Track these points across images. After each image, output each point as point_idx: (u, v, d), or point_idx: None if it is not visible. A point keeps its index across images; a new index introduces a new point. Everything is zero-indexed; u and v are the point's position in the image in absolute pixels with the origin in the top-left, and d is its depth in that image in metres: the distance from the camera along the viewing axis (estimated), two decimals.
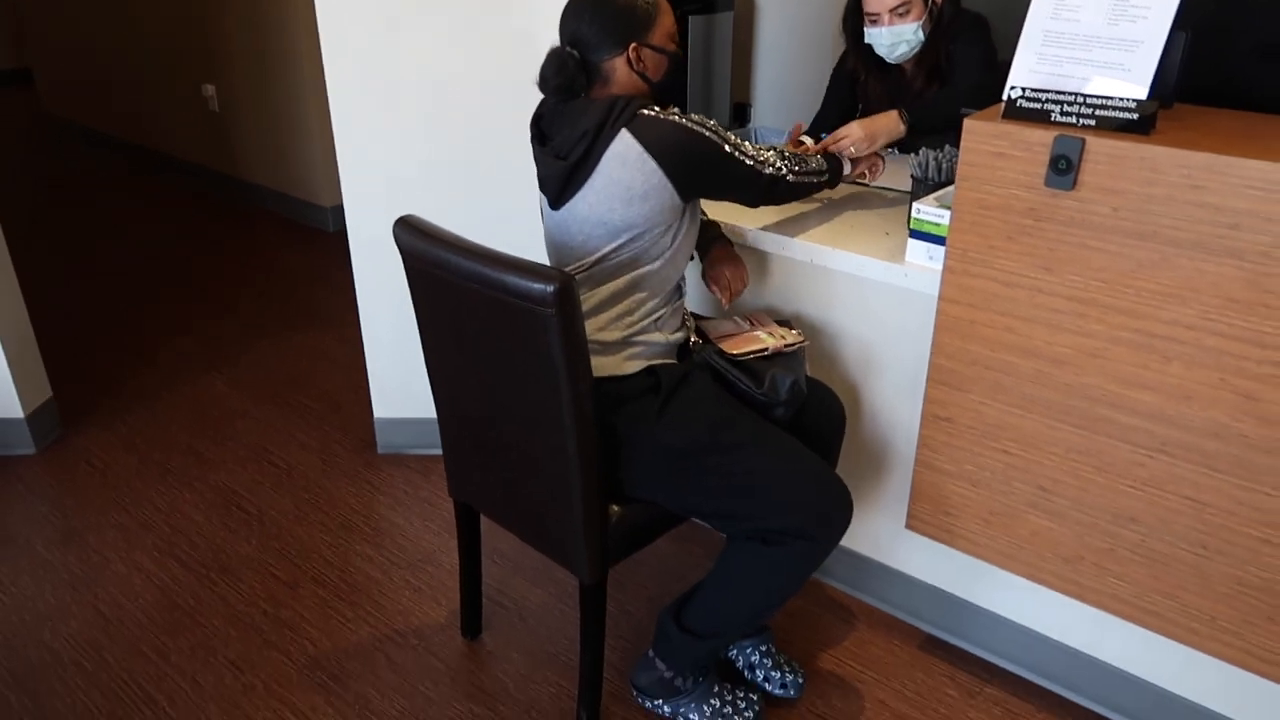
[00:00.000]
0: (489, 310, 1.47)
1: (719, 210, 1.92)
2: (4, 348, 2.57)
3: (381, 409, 2.64)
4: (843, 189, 2.08)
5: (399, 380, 2.57)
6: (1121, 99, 1.36)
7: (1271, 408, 1.33)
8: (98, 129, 5.68)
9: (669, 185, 1.56)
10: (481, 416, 1.66)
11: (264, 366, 3.17)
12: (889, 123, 1.93)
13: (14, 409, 2.65)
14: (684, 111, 1.60)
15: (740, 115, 3.97)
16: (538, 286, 1.36)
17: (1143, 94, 1.36)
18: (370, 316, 2.52)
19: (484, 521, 1.92)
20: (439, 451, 2.62)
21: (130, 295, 3.75)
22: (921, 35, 2.11)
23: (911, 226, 1.71)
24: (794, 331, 1.80)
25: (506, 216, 2.22)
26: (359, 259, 2.45)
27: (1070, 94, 1.40)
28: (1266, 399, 1.33)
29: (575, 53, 1.59)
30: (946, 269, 1.57)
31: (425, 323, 1.67)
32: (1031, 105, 1.43)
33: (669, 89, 1.70)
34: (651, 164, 1.54)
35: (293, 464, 2.64)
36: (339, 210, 4.23)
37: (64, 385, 2.90)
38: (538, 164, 1.68)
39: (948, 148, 1.80)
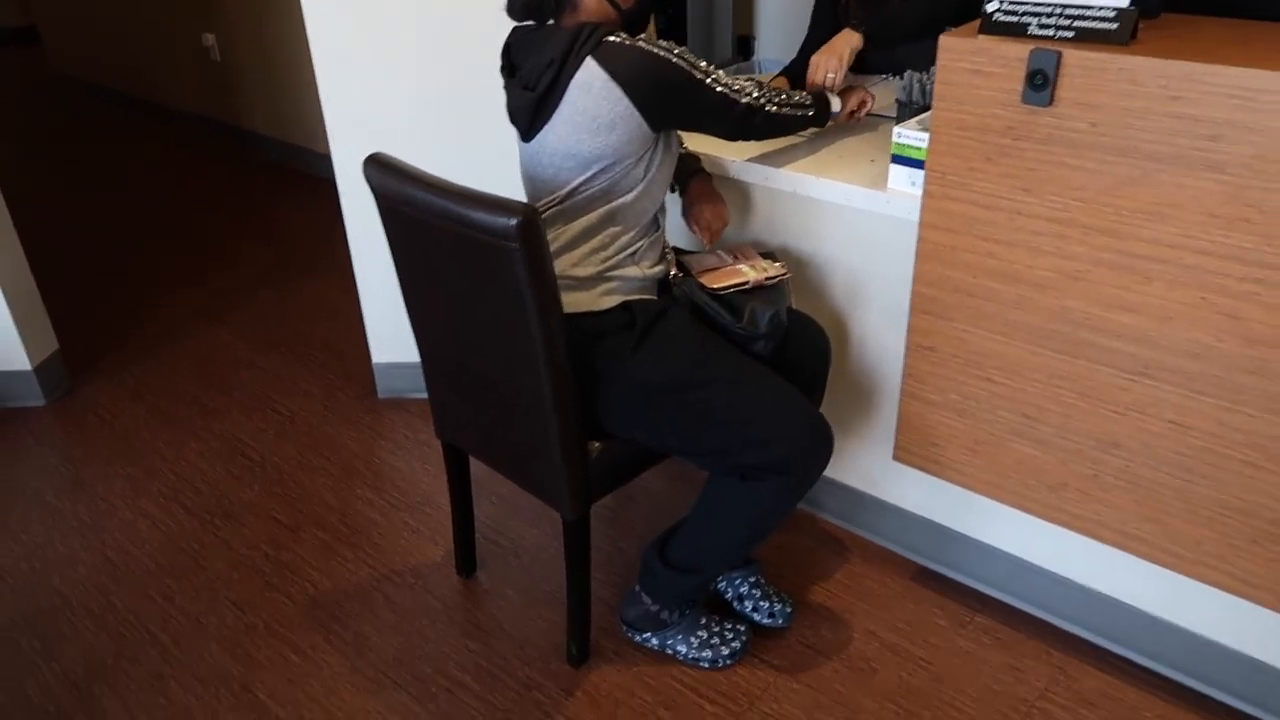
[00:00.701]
0: (457, 247, 1.46)
1: (702, 143, 1.88)
2: (9, 301, 2.60)
3: (379, 354, 2.65)
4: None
5: (394, 325, 2.57)
6: (1100, 8, 1.31)
7: (1253, 326, 1.30)
8: (102, 83, 5.67)
9: (636, 114, 1.52)
10: (459, 356, 1.66)
11: (268, 316, 3.18)
12: (845, 38, 1.89)
13: (21, 361, 2.69)
14: (673, 43, 1.55)
15: (744, 48, 3.88)
16: (501, 220, 1.35)
17: (1123, 2, 1.30)
18: (363, 261, 2.52)
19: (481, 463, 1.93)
20: None
21: (134, 247, 3.77)
22: None
23: (893, 151, 1.66)
24: (777, 264, 1.77)
25: (495, 154, 2.19)
26: (348, 204, 2.44)
27: (1049, 5, 1.35)
28: (1248, 317, 1.30)
29: None
30: (926, 193, 1.53)
31: (400, 262, 1.66)
32: (1009, 19, 1.38)
33: (640, 21, 1.66)
34: (618, 92, 1.51)
35: (296, 411, 2.66)
36: None
37: (70, 337, 2.94)
38: (507, 95, 1.65)
39: (933, 69, 1.74)
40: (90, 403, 2.74)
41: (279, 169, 4.48)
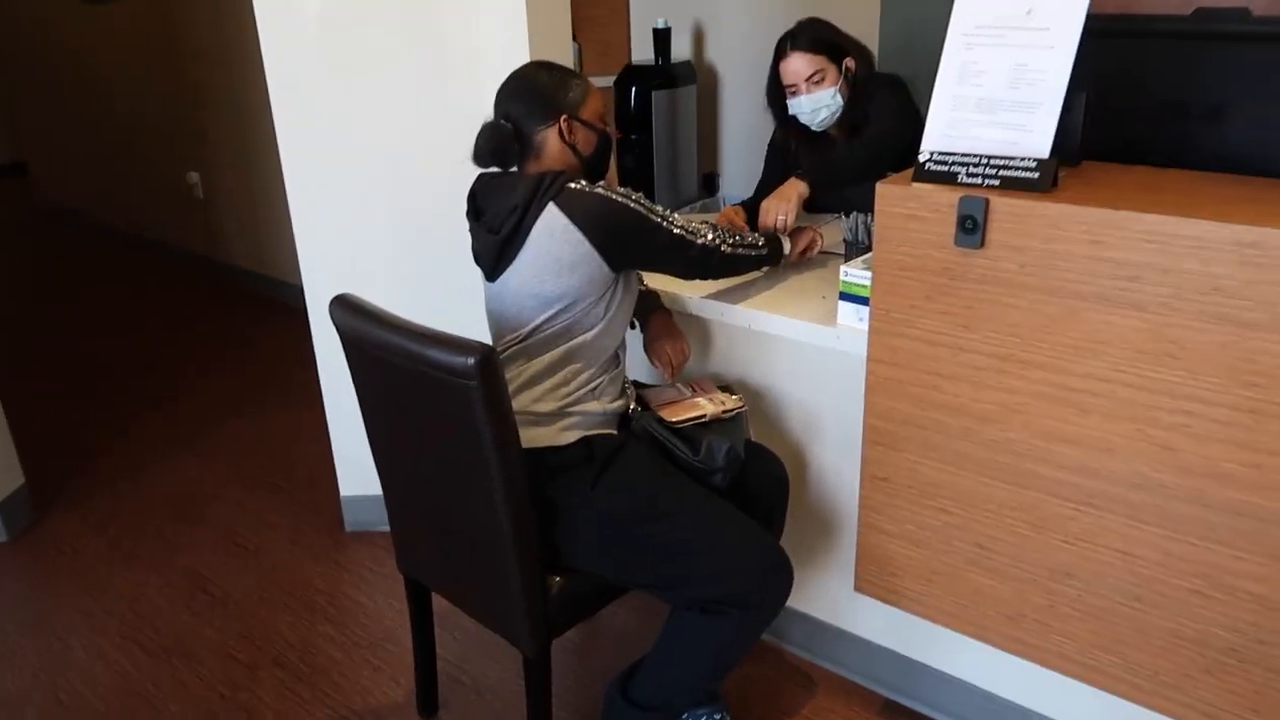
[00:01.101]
0: (418, 385, 1.49)
1: (661, 281, 1.95)
2: None
3: (348, 487, 2.65)
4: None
5: (363, 457, 2.54)
6: (1023, 159, 1.40)
7: (1187, 457, 1.34)
8: (87, 216, 5.80)
9: (597, 256, 1.59)
10: (420, 491, 1.67)
11: (238, 446, 3.19)
12: (793, 186, 2.00)
13: None
14: (630, 190, 1.64)
15: (709, 185, 4.04)
16: (459, 359, 1.39)
17: (1044, 153, 1.40)
18: (333, 394, 2.55)
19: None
20: None
21: (107, 376, 3.79)
22: (840, 100, 2.18)
23: (841, 289, 1.74)
24: (735, 397, 1.82)
25: (462, 290, 2.26)
26: (319, 337, 2.49)
27: (976, 155, 1.44)
28: (1182, 449, 1.34)
29: (508, 124, 1.65)
30: (872, 329, 1.59)
31: (364, 398, 1.69)
32: (939, 168, 1.47)
33: (599, 167, 1.75)
34: (578, 235, 1.58)
35: (261, 545, 2.64)
36: None
37: (39, 466, 2.92)
38: (472, 238, 1.72)
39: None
40: (55, 536, 2.71)
41: (256, 301, 4.56)
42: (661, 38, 3.68)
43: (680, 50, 3.85)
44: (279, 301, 4.49)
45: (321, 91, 2.25)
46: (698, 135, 3.85)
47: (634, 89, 3.52)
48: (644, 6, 3.99)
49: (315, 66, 2.22)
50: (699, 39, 3.92)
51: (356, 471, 2.61)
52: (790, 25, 2.34)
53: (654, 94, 3.61)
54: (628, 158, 3.58)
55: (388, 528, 2.61)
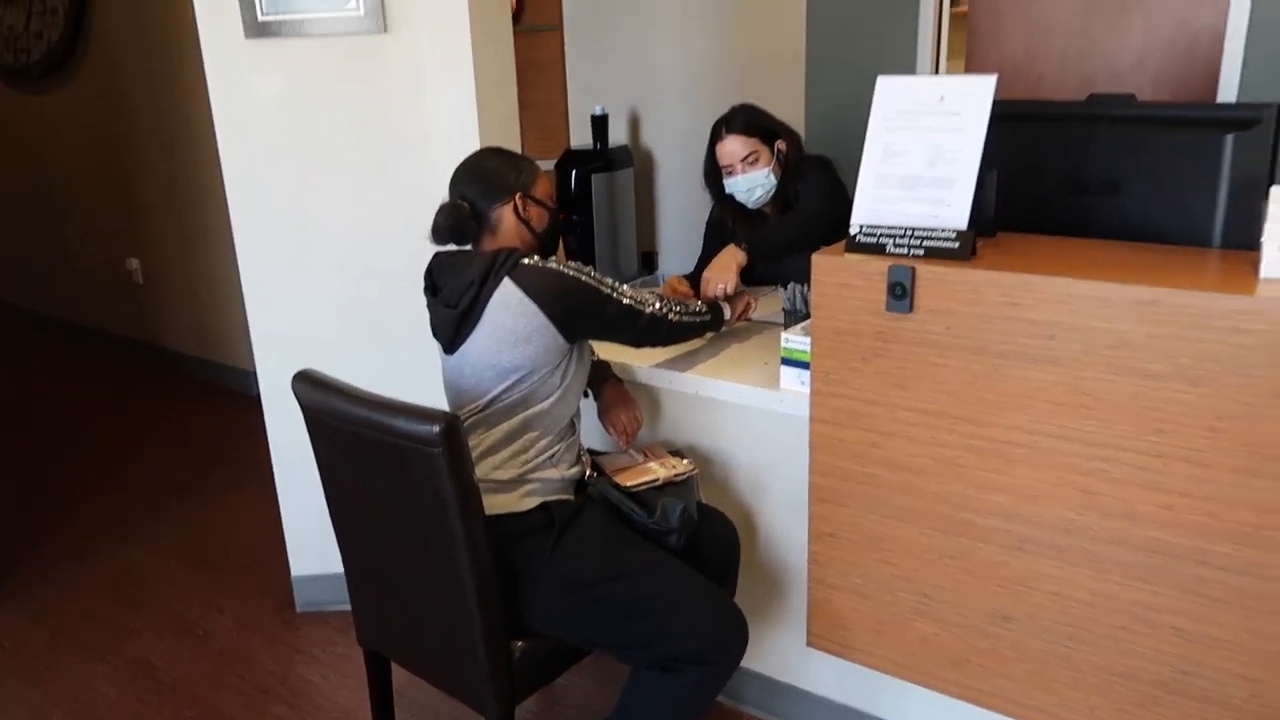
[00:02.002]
0: (382, 454, 1.54)
1: (611, 351, 2.04)
2: None
3: (299, 566, 2.64)
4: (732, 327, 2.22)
5: (316, 536, 2.58)
6: (943, 230, 1.53)
7: (1107, 500, 1.45)
8: (19, 304, 5.71)
9: (551, 327, 1.68)
10: (383, 560, 1.71)
11: (181, 530, 3.14)
12: (731, 254, 2.14)
13: None
14: (581, 264, 1.73)
15: (649, 263, 4.18)
16: (424, 428, 1.45)
17: (962, 225, 1.53)
18: (285, 473, 2.56)
19: (402, 672, 1.92)
20: None
21: (43, 465, 3.72)
22: (773, 179, 2.33)
23: (782, 355, 1.84)
24: (685, 461, 1.89)
25: (414, 366, 2.31)
26: (271, 417, 2.51)
27: (900, 228, 1.57)
28: (1101, 492, 1.45)
29: (466, 204, 1.73)
30: (813, 391, 1.69)
31: (326, 472, 1.73)
32: (869, 239, 1.60)
33: (551, 243, 1.85)
34: (533, 308, 1.66)
35: (210, 629, 2.61)
36: None
37: None
38: (430, 313, 1.79)
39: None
40: None
41: (196, 385, 4.52)
42: (600, 124, 3.84)
43: (617, 135, 4.02)
44: (220, 385, 4.46)
45: (275, 175, 2.32)
46: (636, 215, 3.99)
47: (574, 172, 3.66)
48: (582, 94, 4.16)
49: (269, 152, 2.30)
50: (635, 125, 4.10)
51: (308, 551, 2.61)
52: (723, 111, 2.50)
53: (594, 177, 3.75)
54: (570, 238, 3.69)
55: (340, 607, 2.64)
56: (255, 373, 4.24)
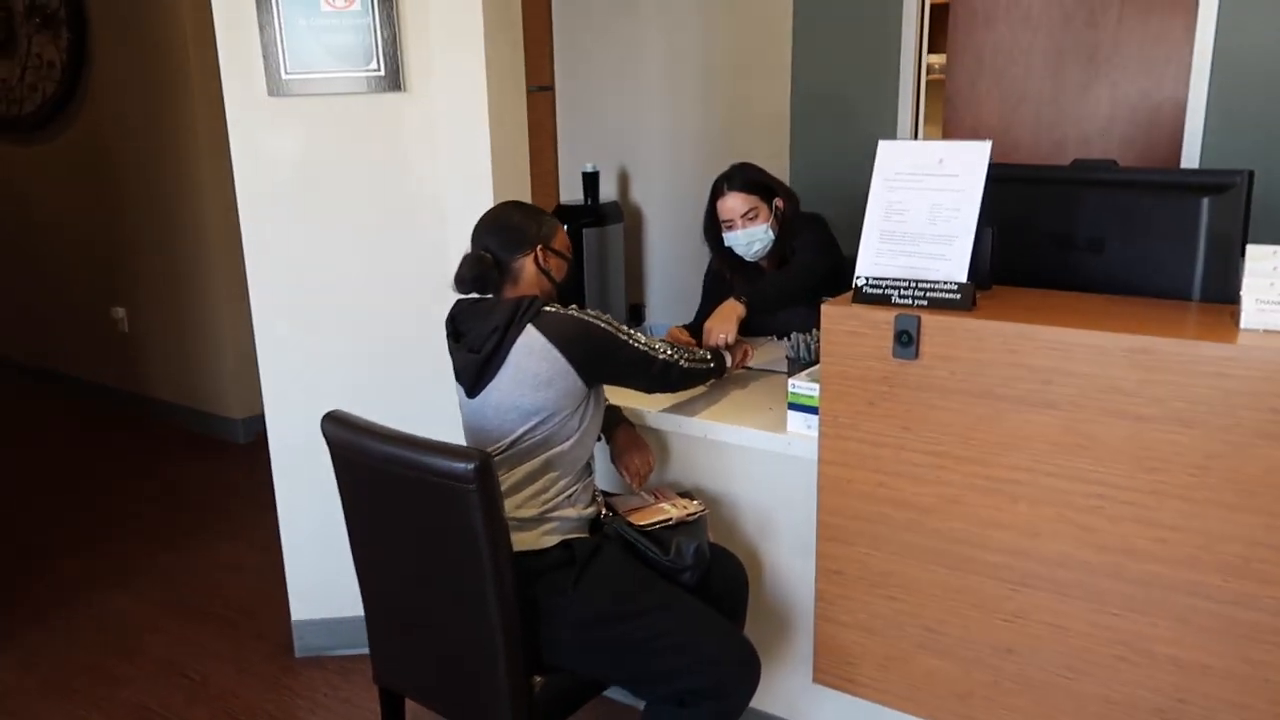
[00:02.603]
0: (414, 491, 1.60)
1: (622, 396, 2.11)
2: None
3: (300, 611, 2.65)
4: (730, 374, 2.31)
5: (318, 581, 2.61)
6: (945, 283, 1.64)
7: (1103, 536, 1.54)
8: (4, 355, 5.66)
9: (572, 371, 1.75)
10: (408, 596, 1.75)
11: (174, 578, 3.13)
12: (731, 306, 2.25)
13: None
14: (599, 312, 1.82)
15: (636, 315, 4.28)
16: (459, 465, 1.51)
17: (962, 277, 1.64)
18: (290, 518, 2.58)
19: (411, 716, 1.95)
20: (359, 650, 2.62)
21: (29, 515, 3.68)
22: (771, 234, 2.44)
23: (790, 400, 1.93)
24: (694, 502, 1.96)
25: (422, 416, 2.37)
26: (278, 462, 2.54)
27: (905, 280, 1.67)
28: (1098, 528, 1.54)
29: (489, 254, 1.81)
30: (822, 434, 1.78)
31: (352, 510, 1.77)
32: (875, 291, 1.70)
33: (568, 291, 1.93)
34: (555, 353, 1.74)
35: (207, 674, 2.60)
36: (251, 421, 4.30)
37: None
38: (453, 358, 1.86)
39: (815, 331, 2.05)
40: None
41: (183, 435, 4.51)
42: (590, 180, 3.97)
43: (607, 192, 4.15)
44: (206, 434, 4.46)
45: (292, 229, 2.38)
46: (625, 269, 4.10)
47: (565, 227, 3.76)
48: (572, 152, 4.29)
49: (287, 206, 2.36)
50: (624, 182, 4.23)
51: (310, 596, 2.63)
52: (708, 170, 2.62)
53: (584, 231, 3.87)
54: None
55: (340, 652, 2.66)
56: (240, 421, 4.29)
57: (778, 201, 2.48)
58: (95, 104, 4.48)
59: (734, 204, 2.45)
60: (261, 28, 2.21)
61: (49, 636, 2.81)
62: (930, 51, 3.61)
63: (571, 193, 4.17)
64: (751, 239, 2.45)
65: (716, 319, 2.25)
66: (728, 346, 2.19)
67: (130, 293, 4.65)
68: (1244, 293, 1.46)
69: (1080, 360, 1.50)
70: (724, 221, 2.48)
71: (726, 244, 2.51)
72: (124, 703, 2.49)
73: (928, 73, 3.63)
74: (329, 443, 1.73)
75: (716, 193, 2.49)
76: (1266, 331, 1.43)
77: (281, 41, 2.21)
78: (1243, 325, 1.45)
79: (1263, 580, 1.43)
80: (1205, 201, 1.70)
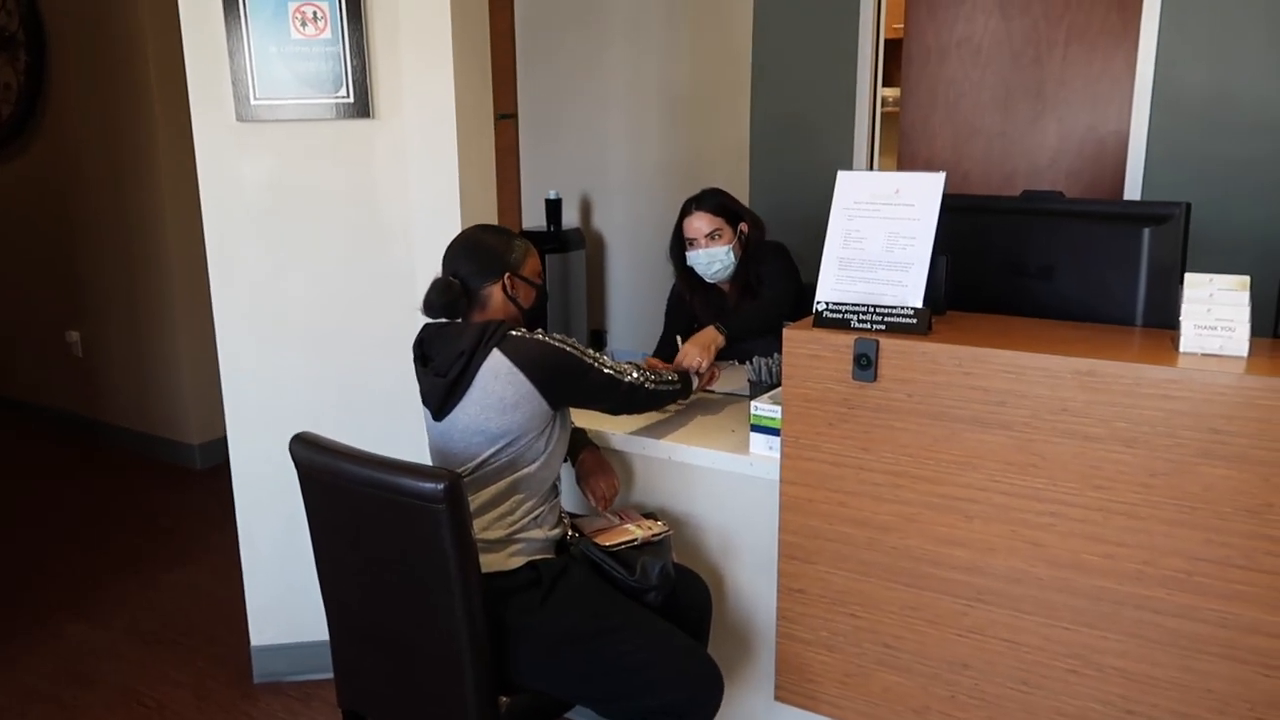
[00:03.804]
0: (383, 512, 1.61)
1: (588, 419, 2.14)
2: None
3: (259, 637, 2.63)
4: (692, 398, 2.35)
5: (278, 606, 2.59)
6: (902, 308, 1.70)
7: (1055, 552, 1.60)
8: None
9: (537, 394, 1.78)
10: (375, 616, 1.75)
11: (131, 605, 3.09)
12: (712, 334, 2.28)
13: None
14: (565, 336, 1.85)
15: (598, 341, 4.32)
16: (429, 485, 1.53)
17: (918, 303, 1.70)
18: (251, 544, 2.57)
19: None
20: (319, 676, 2.61)
21: None
22: (733, 258, 2.50)
23: (752, 422, 1.97)
24: (659, 523, 2.00)
25: (386, 440, 2.38)
26: (240, 487, 2.53)
27: (864, 305, 1.73)
28: (1050, 545, 1.60)
29: (457, 280, 1.84)
30: (783, 455, 1.82)
31: (319, 532, 1.78)
32: (834, 315, 1.75)
33: (538, 317, 1.97)
34: (521, 377, 1.77)
35: (164, 703, 2.56)
36: (208, 447, 4.25)
37: None
38: (420, 382, 1.88)
39: (776, 355, 2.10)
40: None
41: (139, 460, 4.45)
42: (553, 207, 4.02)
43: (570, 218, 4.20)
44: (164, 461, 4.40)
45: (258, 254, 2.38)
46: (587, 295, 4.14)
47: None
48: (535, 179, 4.34)
49: (254, 231, 2.37)
50: (586, 209, 4.29)
51: (270, 621, 2.61)
52: (669, 198, 2.67)
53: (547, 257, 3.89)
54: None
55: (299, 677, 2.64)
56: (198, 446, 4.24)
57: (743, 227, 2.54)
58: (53, 127, 4.44)
59: (699, 224, 2.50)
60: (231, 54, 2.23)
61: (2, 665, 2.75)
62: (885, 85, 3.72)
63: (534, 219, 4.22)
64: (712, 259, 2.50)
65: (695, 345, 2.26)
66: (698, 373, 2.23)
67: (86, 316, 4.59)
68: (1183, 318, 1.53)
69: (1032, 382, 1.56)
70: (688, 239, 2.53)
71: (688, 263, 2.56)
72: None
73: (883, 106, 3.74)
74: (297, 464, 1.74)
75: (685, 212, 2.55)
76: (1204, 355, 1.51)
77: (251, 67, 2.23)
78: (1182, 349, 1.53)
79: (1203, 593, 1.49)
80: (1146, 232, 1.78)
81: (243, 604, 2.64)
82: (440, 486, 1.52)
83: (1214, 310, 1.51)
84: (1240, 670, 1.50)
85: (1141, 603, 1.55)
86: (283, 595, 2.58)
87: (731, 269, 2.53)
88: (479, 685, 1.64)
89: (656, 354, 2.60)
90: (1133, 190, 3.11)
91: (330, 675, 1.93)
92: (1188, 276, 1.55)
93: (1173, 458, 1.48)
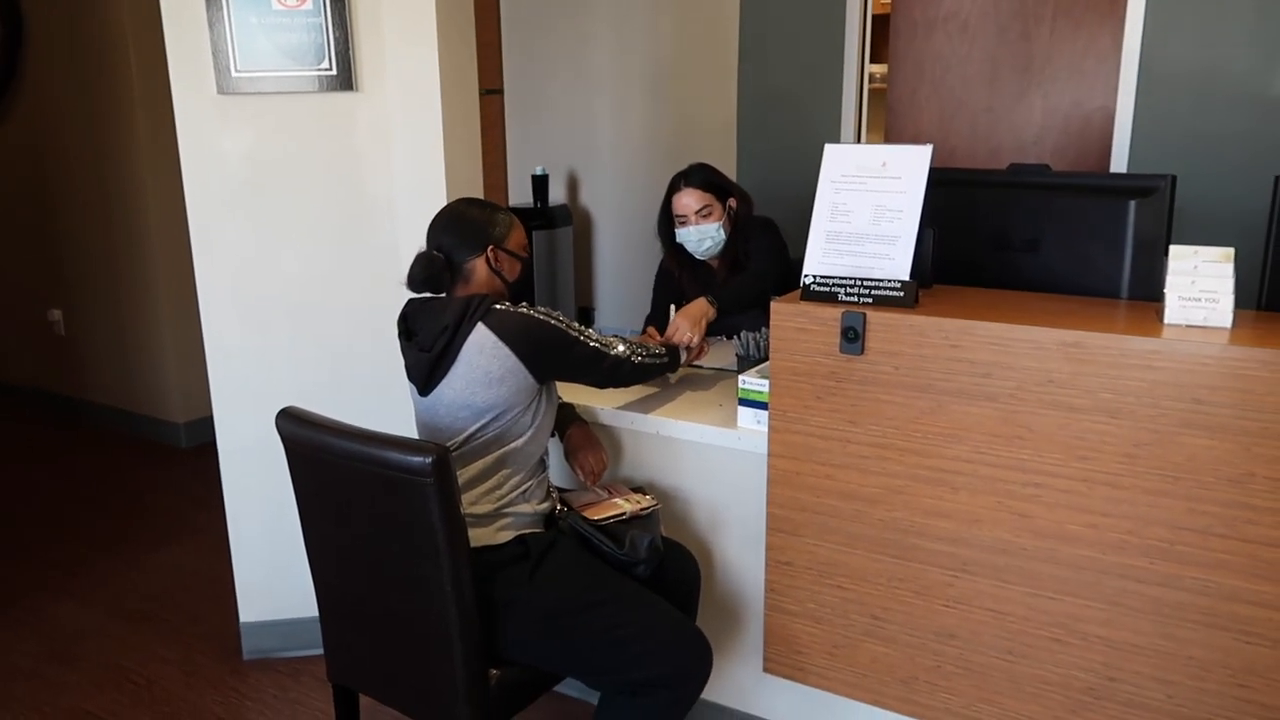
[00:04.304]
0: (370, 486, 1.61)
1: (575, 394, 2.14)
2: None
3: (248, 613, 2.63)
4: (680, 373, 2.35)
5: (266, 583, 2.59)
6: (889, 281, 1.70)
7: (1040, 523, 1.61)
8: None
9: (523, 368, 1.78)
10: (364, 592, 1.75)
11: (116, 585, 3.08)
12: (703, 306, 2.25)
13: None
14: (550, 309, 1.85)
15: (585, 318, 4.31)
16: (417, 459, 1.52)
17: (905, 276, 1.70)
18: (238, 521, 2.56)
19: (362, 717, 1.95)
20: (309, 652, 2.61)
21: None
22: (723, 234, 2.49)
23: (740, 396, 1.97)
24: (647, 496, 2.00)
25: (374, 414, 2.37)
26: (227, 464, 2.52)
27: (851, 279, 1.73)
28: (1035, 515, 1.61)
29: (441, 254, 1.83)
30: (771, 428, 1.83)
31: (307, 507, 1.77)
32: (822, 289, 1.75)
33: (523, 290, 1.96)
34: (505, 350, 1.76)
35: (153, 678, 2.56)
36: (193, 426, 4.23)
37: None
38: (405, 356, 1.87)
39: (764, 329, 2.11)
40: None
41: (123, 439, 4.42)
42: (540, 183, 3.99)
43: (556, 195, 4.17)
44: (143, 438, 4.38)
45: (241, 228, 2.36)
46: (574, 272, 4.13)
47: None
48: (521, 155, 4.31)
49: (236, 205, 2.35)
50: (573, 185, 4.26)
51: (259, 598, 2.60)
52: (656, 174, 2.66)
53: (533, 234, 3.88)
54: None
55: (288, 654, 2.64)
56: (182, 425, 4.22)
57: (731, 202, 2.53)
58: (30, 101, 4.38)
59: (689, 200, 2.49)
60: (211, 24, 2.20)
61: None
62: (872, 61, 3.71)
63: (521, 195, 4.19)
64: (703, 236, 2.50)
65: (685, 318, 2.23)
66: (687, 348, 2.22)
67: (67, 294, 4.55)
68: (1168, 290, 1.54)
69: (1017, 354, 1.57)
70: (678, 217, 2.52)
71: (678, 239, 2.55)
72: (66, 709, 2.45)
73: (870, 81, 3.73)
74: (284, 439, 1.73)
75: (673, 188, 2.54)
76: (1189, 326, 1.52)
77: (232, 39, 2.20)
78: (1167, 320, 1.54)
79: (1185, 562, 1.51)
80: (1132, 204, 1.78)
81: (230, 581, 2.64)
82: (428, 460, 1.52)
83: (1198, 282, 1.52)
84: (1220, 638, 1.52)
85: (1125, 572, 1.56)
86: (271, 572, 2.57)
87: (721, 245, 2.53)
88: (468, 659, 1.65)
89: (649, 320, 2.60)
90: (1119, 166, 3.11)
91: (319, 651, 1.94)
92: (1173, 249, 1.55)
93: (1156, 428, 1.49)
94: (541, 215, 3.96)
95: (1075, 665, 1.64)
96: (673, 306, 2.34)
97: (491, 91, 4.20)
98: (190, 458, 4.17)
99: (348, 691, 1.91)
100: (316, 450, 1.67)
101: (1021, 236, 1.90)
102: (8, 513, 3.67)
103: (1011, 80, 3.33)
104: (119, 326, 4.36)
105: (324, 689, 2.48)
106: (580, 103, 4.15)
